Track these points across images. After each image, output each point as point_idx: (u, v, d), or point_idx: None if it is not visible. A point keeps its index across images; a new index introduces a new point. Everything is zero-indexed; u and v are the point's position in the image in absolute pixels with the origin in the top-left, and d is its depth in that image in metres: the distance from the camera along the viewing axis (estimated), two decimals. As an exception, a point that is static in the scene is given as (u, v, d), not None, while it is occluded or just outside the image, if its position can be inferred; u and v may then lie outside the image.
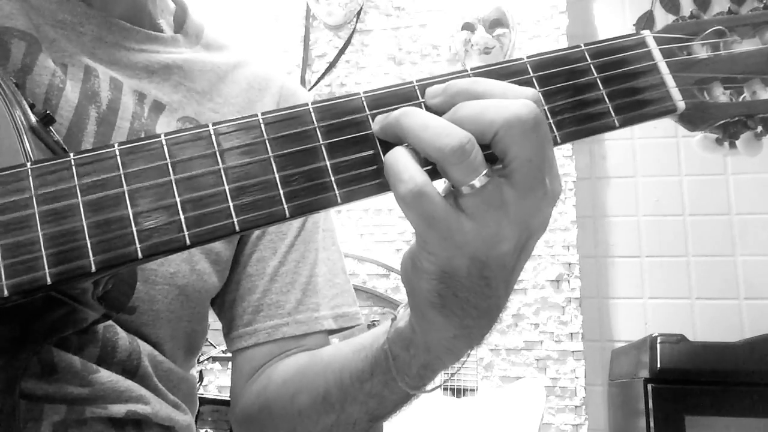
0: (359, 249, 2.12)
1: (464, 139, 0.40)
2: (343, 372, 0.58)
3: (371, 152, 0.44)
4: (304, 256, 0.72)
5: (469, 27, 2.19)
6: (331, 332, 0.73)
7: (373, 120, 0.44)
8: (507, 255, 0.42)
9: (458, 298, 0.44)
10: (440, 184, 0.43)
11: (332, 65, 2.33)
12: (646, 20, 2.20)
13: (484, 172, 0.40)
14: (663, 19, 2.18)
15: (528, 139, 0.40)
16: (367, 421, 0.59)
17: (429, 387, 0.54)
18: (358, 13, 2.34)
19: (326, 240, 0.76)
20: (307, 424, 0.62)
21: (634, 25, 2.21)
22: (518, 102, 0.41)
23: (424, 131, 0.41)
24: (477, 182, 0.40)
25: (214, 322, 0.74)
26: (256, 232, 0.71)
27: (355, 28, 2.34)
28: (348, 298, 0.75)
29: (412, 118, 0.42)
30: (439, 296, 0.45)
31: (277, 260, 0.71)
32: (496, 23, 2.17)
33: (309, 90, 2.29)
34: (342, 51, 2.33)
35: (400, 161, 0.42)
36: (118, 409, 0.57)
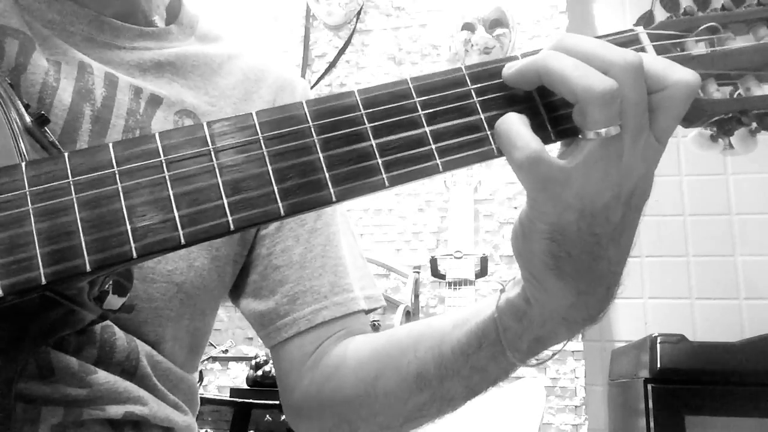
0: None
1: (614, 86, 0.42)
2: (443, 346, 0.57)
3: (366, 149, 0.43)
4: (329, 239, 0.72)
5: (469, 27, 2.19)
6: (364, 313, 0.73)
7: (367, 119, 0.44)
8: (610, 205, 0.44)
9: (571, 257, 0.46)
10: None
11: (332, 65, 2.33)
12: (646, 20, 2.20)
13: (619, 123, 0.42)
14: (663, 18, 2.18)
15: (637, 82, 0.42)
16: (464, 397, 0.58)
17: (534, 361, 0.54)
18: (358, 13, 2.34)
19: (344, 224, 0.76)
20: (395, 405, 0.61)
21: (633, 25, 2.21)
22: (628, 52, 0.43)
23: (575, 70, 0.42)
24: (605, 131, 0.42)
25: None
26: (275, 223, 0.70)
27: (355, 28, 2.34)
28: (370, 281, 0.75)
29: (561, 58, 0.43)
30: (553, 257, 0.46)
31: (302, 247, 0.70)
32: (496, 23, 2.17)
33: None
34: (342, 51, 2.33)
35: (514, 128, 0.43)
36: (116, 411, 0.57)
